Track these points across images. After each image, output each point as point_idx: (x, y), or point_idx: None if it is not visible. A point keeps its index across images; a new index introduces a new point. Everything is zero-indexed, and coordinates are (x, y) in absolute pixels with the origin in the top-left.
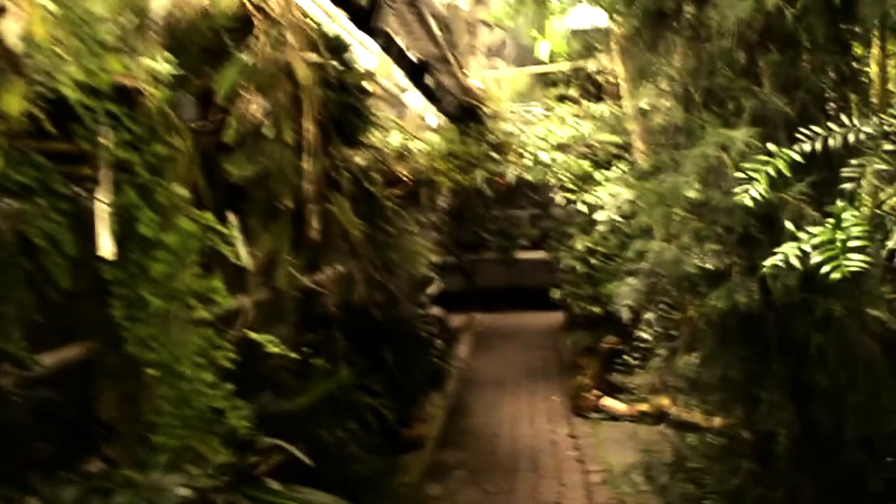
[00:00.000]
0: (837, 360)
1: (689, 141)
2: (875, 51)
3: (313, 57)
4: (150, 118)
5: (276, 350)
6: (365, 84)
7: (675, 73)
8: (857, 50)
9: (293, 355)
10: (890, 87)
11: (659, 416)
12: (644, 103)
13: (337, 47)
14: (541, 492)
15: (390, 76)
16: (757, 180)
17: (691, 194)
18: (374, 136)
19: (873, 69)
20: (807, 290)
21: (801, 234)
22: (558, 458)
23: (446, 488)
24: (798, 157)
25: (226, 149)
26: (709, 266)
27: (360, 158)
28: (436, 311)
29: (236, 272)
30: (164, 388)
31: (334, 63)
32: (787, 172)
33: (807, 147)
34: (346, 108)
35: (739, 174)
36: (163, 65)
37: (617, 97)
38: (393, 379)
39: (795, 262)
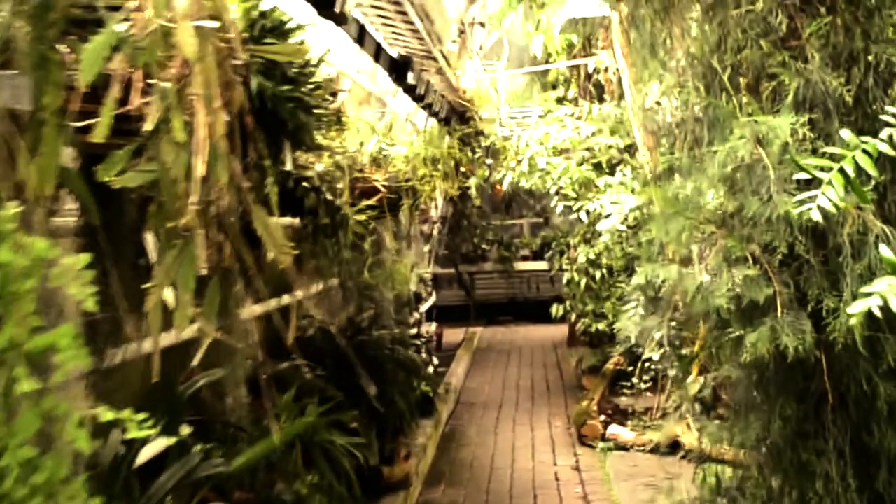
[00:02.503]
0: None
1: (713, 134)
2: None
3: (210, 26)
4: None
5: (143, 434)
6: (319, 75)
7: (694, 48)
8: None
9: (172, 439)
10: None
11: (672, 446)
12: (652, 93)
13: (277, 28)
14: None
15: (365, 71)
16: (829, 183)
17: (717, 202)
18: (341, 139)
19: None
20: (872, 328)
21: None
22: (562, 496)
23: None
24: (889, 149)
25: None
26: (744, 297)
27: (324, 163)
28: (430, 327)
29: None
30: None
31: (272, 46)
32: (872, 171)
33: None
34: (290, 102)
35: (800, 175)
36: None
37: (619, 97)
38: (373, 411)
39: None
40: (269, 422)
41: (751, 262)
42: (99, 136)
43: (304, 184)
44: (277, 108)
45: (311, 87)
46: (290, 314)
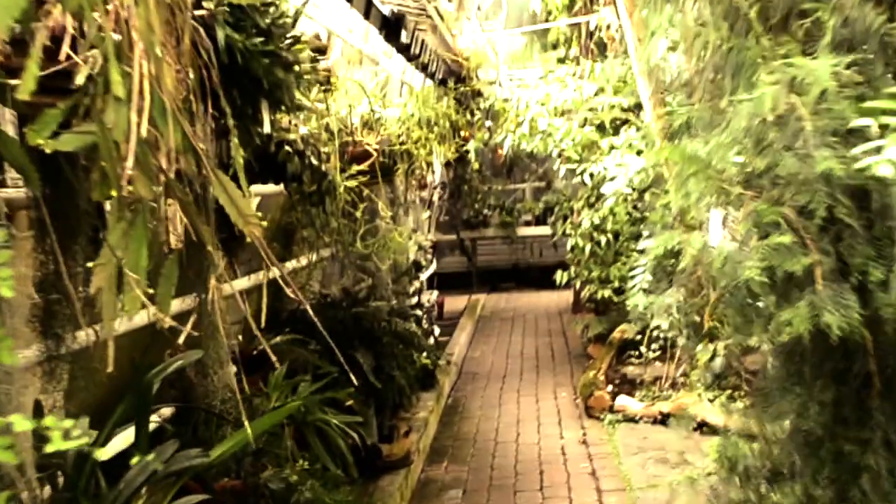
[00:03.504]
0: None
1: (737, 81)
2: None
3: None
4: None
5: (73, 445)
6: (298, 28)
7: None
8: None
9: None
10: None
11: (683, 418)
12: (663, 42)
13: None
14: None
15: (357, 30)
16: None
17: (743, 160)
18: (331, 100)
19: None
20: None
21: None
22: (569, 471)
23: None
24: None
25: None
26: (777, 268)
27: (310, 126)
28: (430, 296)
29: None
30: None
31: None
32: None
33: None
34: (265, 58)
35: (862, 120)
36: None
37: (622, 54)
38: (370, 386)
39: None
40: (258, 404)
41: (784, 227)
42: (24, 92)
43: (287, 148)
44: (250, 64)
45: (288, 41)
46: (263, 290)
